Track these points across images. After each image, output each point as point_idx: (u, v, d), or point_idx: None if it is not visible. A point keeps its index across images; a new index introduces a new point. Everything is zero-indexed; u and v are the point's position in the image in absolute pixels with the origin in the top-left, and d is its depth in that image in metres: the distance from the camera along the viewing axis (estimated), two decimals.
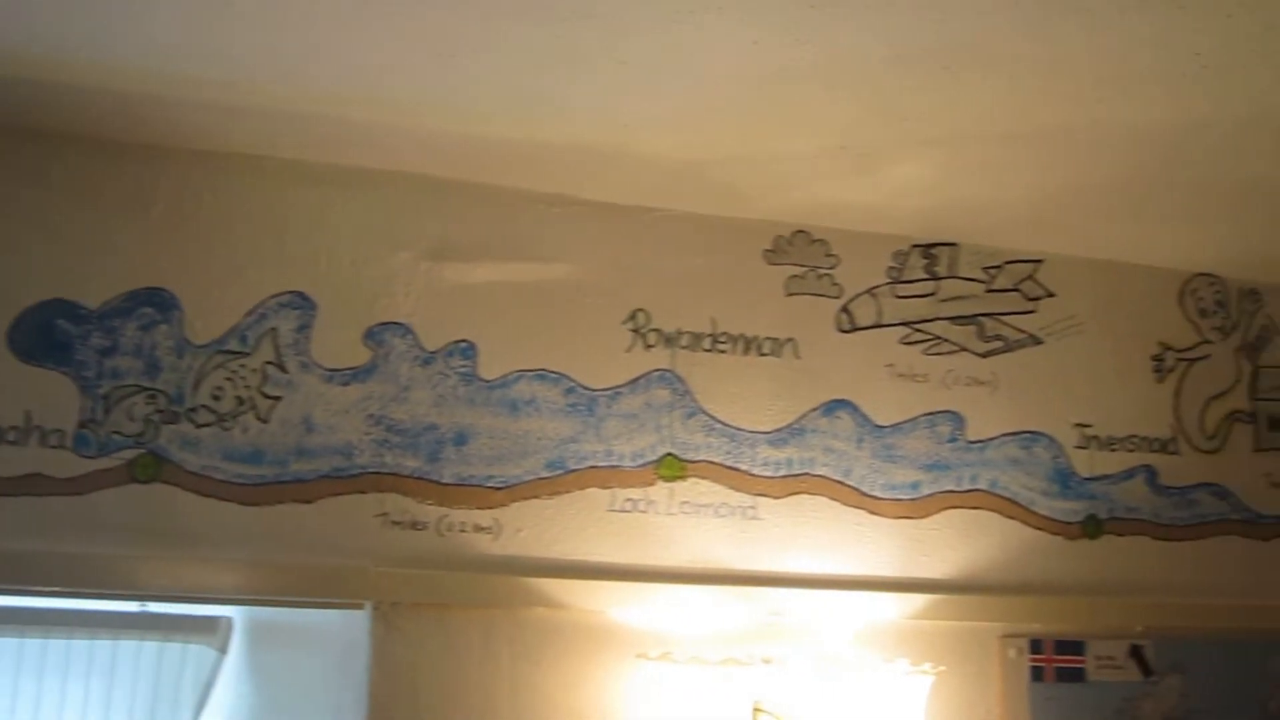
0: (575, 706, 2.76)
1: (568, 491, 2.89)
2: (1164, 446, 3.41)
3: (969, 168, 2.86)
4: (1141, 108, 2.50)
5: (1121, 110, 2.51)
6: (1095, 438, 3.34)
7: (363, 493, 2.76)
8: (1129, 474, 3.36)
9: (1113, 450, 3.35)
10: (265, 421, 2.74)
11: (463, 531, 2.80)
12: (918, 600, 3.04)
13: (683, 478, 2.96)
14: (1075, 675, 3.17)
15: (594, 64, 2.31)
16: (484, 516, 2.82)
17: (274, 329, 2.78)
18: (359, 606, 2.71)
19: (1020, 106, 2.50)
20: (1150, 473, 3.38)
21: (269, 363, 2.76)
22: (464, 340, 2.88)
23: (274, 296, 2.79)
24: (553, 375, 2.93)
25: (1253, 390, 3.57)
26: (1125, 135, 2.64)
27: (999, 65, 2.31)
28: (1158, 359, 3.47)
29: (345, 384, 2.80)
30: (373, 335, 2.84)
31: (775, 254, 3.17)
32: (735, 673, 2.65)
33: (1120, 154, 2.75)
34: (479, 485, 2.83)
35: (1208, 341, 3.54)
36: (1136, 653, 3.24)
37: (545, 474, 2.88)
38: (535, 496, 2.87)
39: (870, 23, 2.15)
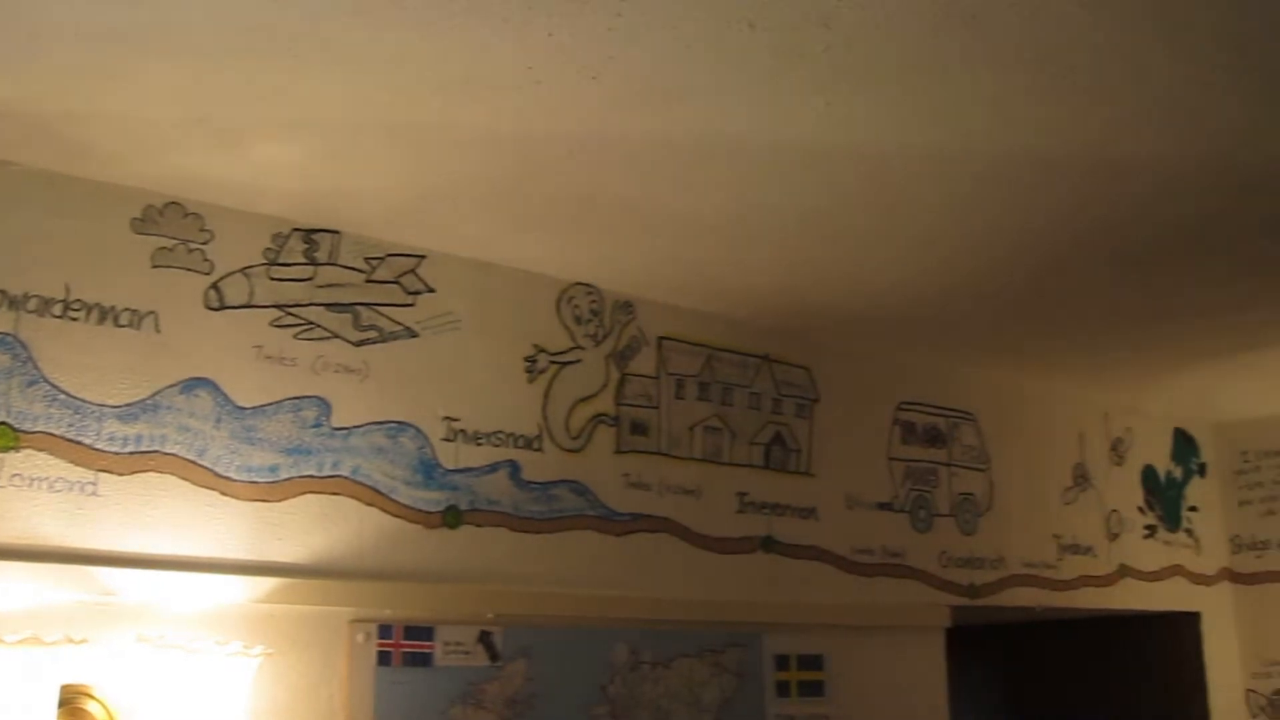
0: None
1: None
2: (529, 443, 3.84)
3: (342, 156, 3.13)
4: (485, 114, 2.88)
5: (467, 114, 2.87)
6: (463, 431, 3.70)
7: None
8: (493, 468, 3.75)
9: (479, 444, 3.74)
10: None
11: None
12: (267, 584, 3.25)
13: (16, 448, 3.00)
14: (423, 660, 3.51)
15: None
16: None
17: None
18: None
19: (371, 99, 2.80)
20: (514, 467, 3.79)
21: None
22: None
23: None
24: None
25: (619, 395, 4.10)
26: (478, 139, 3.02)
27: (341, 54, 2.59)
28: (530, 360, 3.90)
29: None
30: None
31: (144, 223, 3.28)
32: (43, 654, 2.73)
33: (478, 157, 3.13)
34: None
35: (580, 347, 4.02)
36: (485, 639, 3.63)
37: None
38: None
39: None
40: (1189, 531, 6.28)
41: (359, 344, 3.58)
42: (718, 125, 2.92)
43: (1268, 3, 2.45)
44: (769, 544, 4.42)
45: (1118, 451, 5.96)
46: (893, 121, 2.91)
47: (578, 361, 4.04)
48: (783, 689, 4.32)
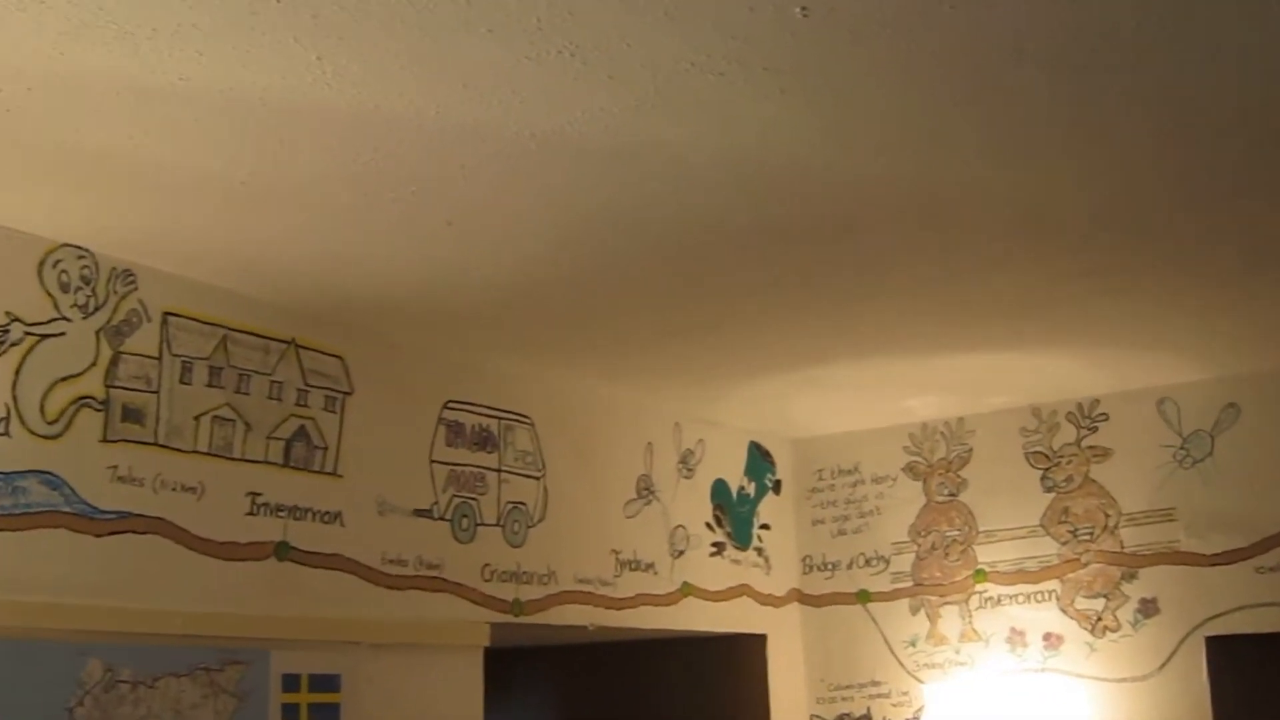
0: None
1: None
2: None
3: None
4: None
5: None
6: None
7: None
8: None
9: None
10: None
11: None
12: None
13: None
14: None
15: None
16: None
17: None
18: None
19: None
20: None
21: None
22: None
23: None
24: None
25: (110, 376, 3.97)
26: None
27: None
28: (3, 330, 3.72)
29: None
30: None
31: None
32: None
33: None
34: None
35: (64, 318, 3.89)
36: None
37: None
38: None
39: None
40: (759, 550, 6.66)
41: None
42: (199, 72, 2.88)
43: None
44: (284, 550, 4.39)
45: (688, 464, 6.26)
46: (393, 85, 2.96)
47: (61, 335, 3.89)
48: (290, 712, 4.30)
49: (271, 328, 4.46)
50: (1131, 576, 6.05)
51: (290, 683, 4.31)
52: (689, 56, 2.86)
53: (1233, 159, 3.53)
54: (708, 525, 6.34)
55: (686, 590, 6.11)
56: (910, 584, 6.59)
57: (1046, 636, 6.19)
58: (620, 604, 5.74)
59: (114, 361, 4.02)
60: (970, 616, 6.40)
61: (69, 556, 3.83)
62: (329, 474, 4.59)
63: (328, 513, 4.56)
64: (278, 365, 4.47)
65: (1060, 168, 3.53)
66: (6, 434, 3.73)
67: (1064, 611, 6.17)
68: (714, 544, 6.35)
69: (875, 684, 6.62)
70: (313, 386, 4.58)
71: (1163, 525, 6.01)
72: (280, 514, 4.40)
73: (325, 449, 4.59)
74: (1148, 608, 5.99)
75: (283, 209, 3.70)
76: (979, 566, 6.41)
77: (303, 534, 4.46)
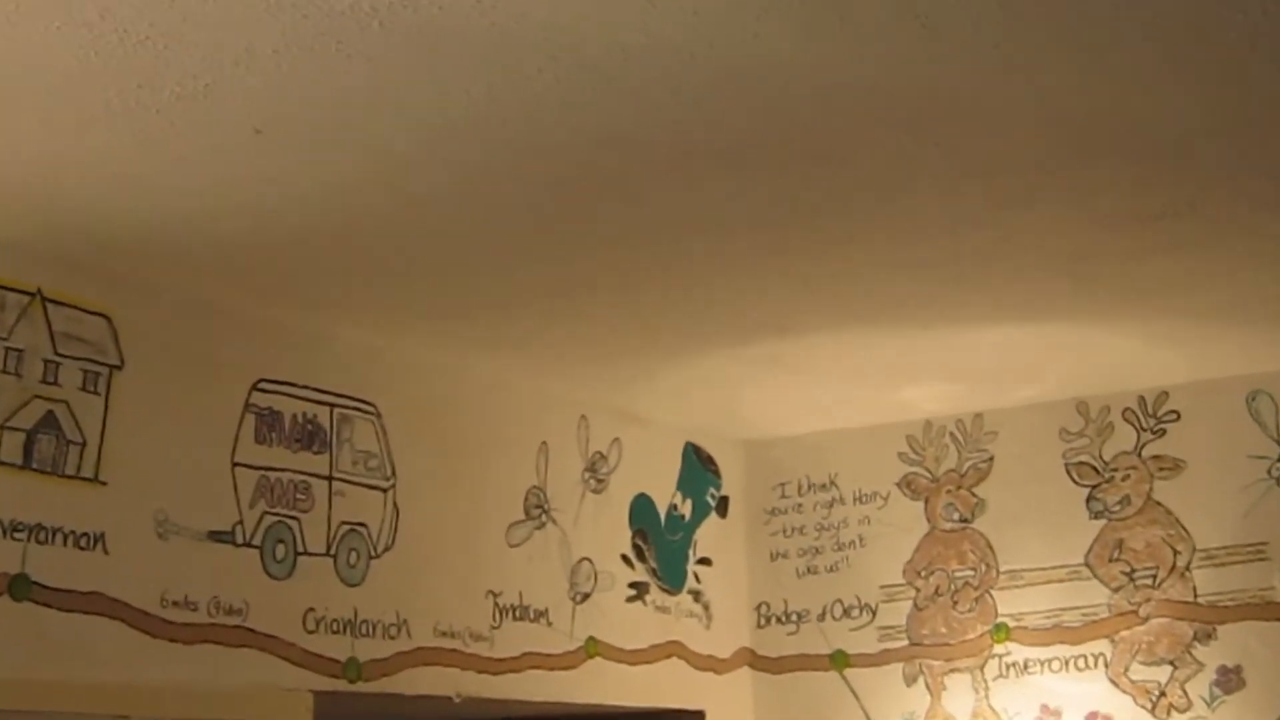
0: None
1: None
2: None
3: None
4: None
5: None
6: None
7: None
8: None
9: None
10: None
11: None
12: None
13: None
14: None
15: None
16: None
17: None
18: None
19: None
20: None
21: None
22: None
23: None
24: None
25: None
26: None
27: None
28: None
29: None
30: None
31: None
32: None
33: None
34: None
35: None
36: None
37: None
38: None
39: None
40: (696, 595, 6.68)
41: None
42: None
43: None
44: (23, 587, 4.35)
45: (598, 472, 6.27)
46: None
47: None
48: None
49: (7, 274, 4.43)
50: (1208, 636, 6.12)
51: None
52: None
53: None
54: (625, 559, 6.36)
55: (593, 649, 6.14)
56: (905, 643, 6.64)
57: (1091, 717, 6.25)
58: (499, 666, 5.75)
59: None
60: (987, 689, 6.46)
61: None
62: (88, 480, 4.56)
63: (85, 534, 4.53)
64: (16, 326, 4.43)
65: (1121, 67, 3.48)
66: None
67: (1115, 683, 6.24)
68: (633, 585, 6.38)
69: None
70: (66, 357, 4.55)
71: (1252, 566, 6.08)
72: (18, 535, 4.36)
73: (83, 445, 4.56)
74: (1229, 679, 6.06)
75: (19, 107, 3.65)
76: (999, 620, 6.46)
77: (49, 564, 4.43)
